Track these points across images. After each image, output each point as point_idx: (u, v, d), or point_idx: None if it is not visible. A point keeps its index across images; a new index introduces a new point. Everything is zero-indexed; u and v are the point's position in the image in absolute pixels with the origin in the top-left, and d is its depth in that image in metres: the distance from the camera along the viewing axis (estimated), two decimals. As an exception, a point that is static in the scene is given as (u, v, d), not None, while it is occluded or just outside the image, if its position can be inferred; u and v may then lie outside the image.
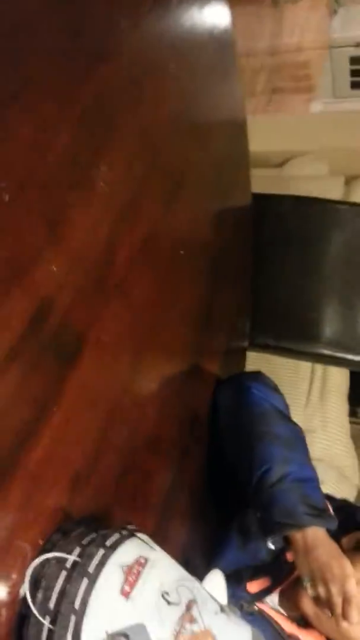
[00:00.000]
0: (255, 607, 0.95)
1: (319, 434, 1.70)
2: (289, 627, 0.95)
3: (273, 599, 0.97)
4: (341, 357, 1.41)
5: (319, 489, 0.84)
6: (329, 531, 0.82)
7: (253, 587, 0.93)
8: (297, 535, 0.79)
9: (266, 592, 0.94)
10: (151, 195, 0.78)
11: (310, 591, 0.77)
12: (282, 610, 0.96)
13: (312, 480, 0.84)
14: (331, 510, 0.89)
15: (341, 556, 0.77)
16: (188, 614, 0.45)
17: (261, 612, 0.95)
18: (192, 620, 0.45)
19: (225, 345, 1.14)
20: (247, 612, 0.93)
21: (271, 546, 0.86)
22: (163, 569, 0.50)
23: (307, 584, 0.77)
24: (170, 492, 0.80)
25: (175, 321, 0.84)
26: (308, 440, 1.17)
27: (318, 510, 0.80)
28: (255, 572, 0.92)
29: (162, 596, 0.45)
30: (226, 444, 0.89)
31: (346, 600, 0.72)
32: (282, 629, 0.95)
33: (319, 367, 1.80)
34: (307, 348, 1.35)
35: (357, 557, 0.95)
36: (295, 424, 0.94)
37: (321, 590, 0.75)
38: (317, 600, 0.77)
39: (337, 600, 0.73)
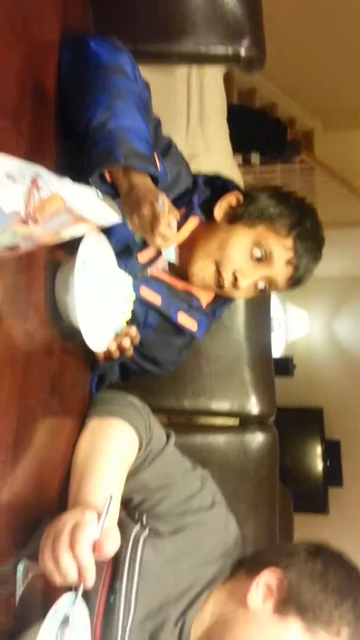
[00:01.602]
0: (148, 273, 1.06)
1: (203, 158, 1.74)
2: (181, 284, 1.09)
3: (163, 264, 1.09)
4: (212, 55, 1.36)
5: (147, 142, 0.82)
6: (154, 179, 0.81)
7: (143, 257, 1.03)
8: (122, 180, 0.79)
9: (154, 258, 1.05)
10: None
11: (130, 225, 0.79)
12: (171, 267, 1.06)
13: (138, 131, 0.81)
14: (158, 165, 0.89)
15: (158, 191, 0.79)
16: (34, 184, 0.49)
17: (153, 277, 1.07)
18: (39, 187, 0.49)
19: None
20: (141, 279, 1.05)
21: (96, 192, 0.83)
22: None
23: (127, 219, 0.79)
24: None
25: None
26: (193, 165, 1.18)
27: (140, 157, 0.79)
28: (143, 244, 1.01)
29: (7, 178, 0.49)
30: (66, 102, 0.83)
31: (155, 217, 0.74)
32: (175, 286, 1.08)
33: (195, 91, 1.77)
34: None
35: (235, 227, 1.04)
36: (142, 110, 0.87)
37: (136, 219, 0.77)
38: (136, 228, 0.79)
39: (148, 221, 0.75)
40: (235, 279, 1.00)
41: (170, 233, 0.76)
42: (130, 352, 0.94)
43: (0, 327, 0.66)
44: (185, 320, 1.09)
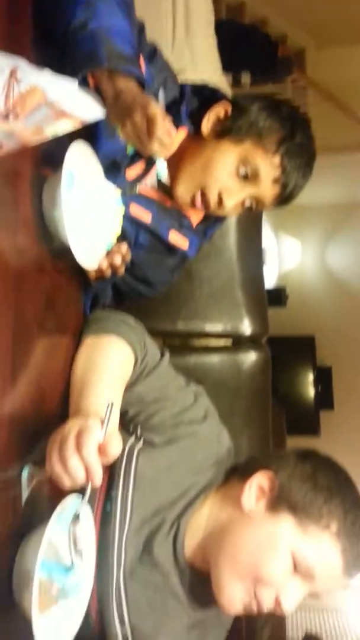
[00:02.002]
0: (137, 190, 1.04)
1: (190, 73, 1.66)
2: (170, 202, 1.07)
3: (152, 181, 1.06)
4: None
5: (132, 44, 0.77)
6: (141, 84, 0.77)
7: (131, 173, 1.00)
8: (106, 85, 0.74)
9: (143, 175, 1.02)
10: None
11: (121, 134, 0.76)
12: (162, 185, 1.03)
13: (122, 31, 0.76)
14: (144, 69, 0.85)
15: (148, 97, 0.75)
16: (13, 77, 0.47)
17: (142, 194, 1.05)
18: (18, 81, 0.47)
19: None
20: (130, 196, 1.03)
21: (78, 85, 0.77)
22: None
23: (118, 129, 0.76)
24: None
25: None
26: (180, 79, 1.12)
27: (125, 60, 0.75)
28: (131, 160, 0.98)
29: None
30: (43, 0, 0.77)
31: (150, 121, 0.71)
32: (165, 204, 1.07)
33: (180, 1, 1.67)
34: None
35: (221, 144, 1.01)
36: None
37: (128, 127, 0.74)
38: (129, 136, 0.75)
39: (143, 126, 0.72)
40: (221, 199, 0.98)
41: (167, 139, 0.73)
42: (122, 270, 0.93)
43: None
44: (177, 238, 1.08)
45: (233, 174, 0.97)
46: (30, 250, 0.78)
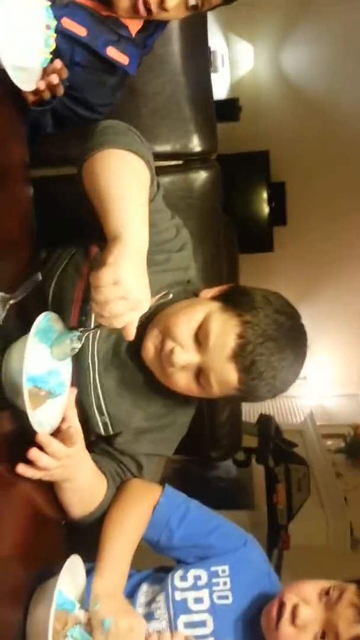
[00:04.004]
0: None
1: None
2: (107, 11, 0.98)
3: None
4: None
5: None
6: None
7: None
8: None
9: None
10: None
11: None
12: None
13: None
14: None
15: None
16: None
17: (75, 3, 0.97)
18: None
19: None
20: (61, 7, 0.94)
21: None
22: None
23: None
24: None
25: None
26: None
27: None
28: None
29: None
30: None
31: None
32: (101, 12, 0.99)
33: None
34: None
35: None
36: None
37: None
38: None
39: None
40: None
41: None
42: (60, 90, 0.90)
43: None
44: (115, 54, 1.02)
45: None
46: None
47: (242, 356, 0.86)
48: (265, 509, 2.54)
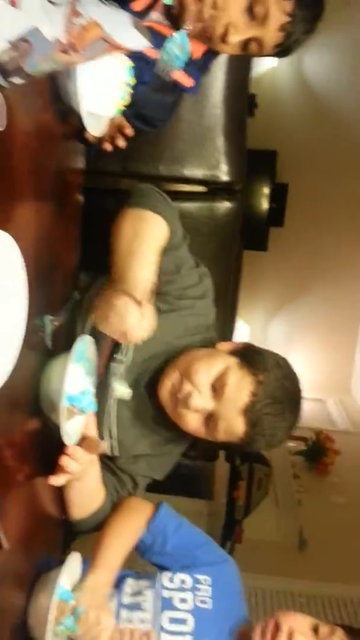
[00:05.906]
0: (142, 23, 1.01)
1: None
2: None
3: (158, 16, 1.02)
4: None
5: None
6: None
7: (138, 5, 0.97)
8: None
9: (150, 7, 0.99)
10: None
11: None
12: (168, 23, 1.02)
13: None
14: None
15: None
16: (73, 11, 0.50)
17: (150, 27, 1.00)
18: (78, 15, 0.50)
19: None
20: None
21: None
22: None
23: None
24: None
25: None
26: None
27: None
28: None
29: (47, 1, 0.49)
30: None
31: None
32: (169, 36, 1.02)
33: None
34: None
35: None
36: None
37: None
38: None
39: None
40: (226, 33, 0.98)
41: None
42: (121, 143, 0.98)
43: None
44: (181, 76, 1.08)
45: (243, 9, 0.97)
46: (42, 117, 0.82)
47: (251, 412, 0.97)
48: (224, 502, 2.67)
